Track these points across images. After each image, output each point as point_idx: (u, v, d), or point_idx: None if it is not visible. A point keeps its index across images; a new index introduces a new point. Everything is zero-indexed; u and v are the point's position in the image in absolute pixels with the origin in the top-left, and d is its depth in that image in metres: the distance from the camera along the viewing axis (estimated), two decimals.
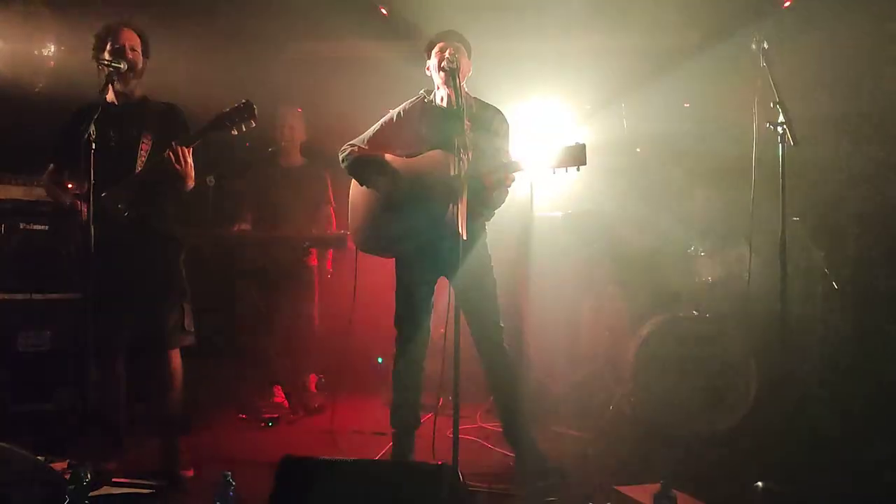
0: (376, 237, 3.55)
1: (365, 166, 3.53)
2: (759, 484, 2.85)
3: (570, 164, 3.12)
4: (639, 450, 4.07)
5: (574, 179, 3.29)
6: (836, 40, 5.17)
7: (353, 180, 3.64)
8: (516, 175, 3.32)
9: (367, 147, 3.59)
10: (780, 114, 2.99)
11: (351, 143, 3.63)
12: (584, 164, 3.11)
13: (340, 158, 3.63)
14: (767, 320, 4.92)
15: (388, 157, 3.55)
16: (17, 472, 2.71)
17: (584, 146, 3.09)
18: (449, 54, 3.32)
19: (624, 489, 3.27)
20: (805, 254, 4.87)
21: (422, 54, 3.59)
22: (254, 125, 3.34)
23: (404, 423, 3.59)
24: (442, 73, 3.38)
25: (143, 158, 3.34)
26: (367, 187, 3.53)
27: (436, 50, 3.47)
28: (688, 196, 5.64)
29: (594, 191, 5.89)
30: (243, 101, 3.30)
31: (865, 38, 5.03)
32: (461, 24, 3.62)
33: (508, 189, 3.38)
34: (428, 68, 3.53)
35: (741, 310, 4.94)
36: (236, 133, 3.29)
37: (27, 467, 2.80)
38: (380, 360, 5.60)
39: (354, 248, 3.78)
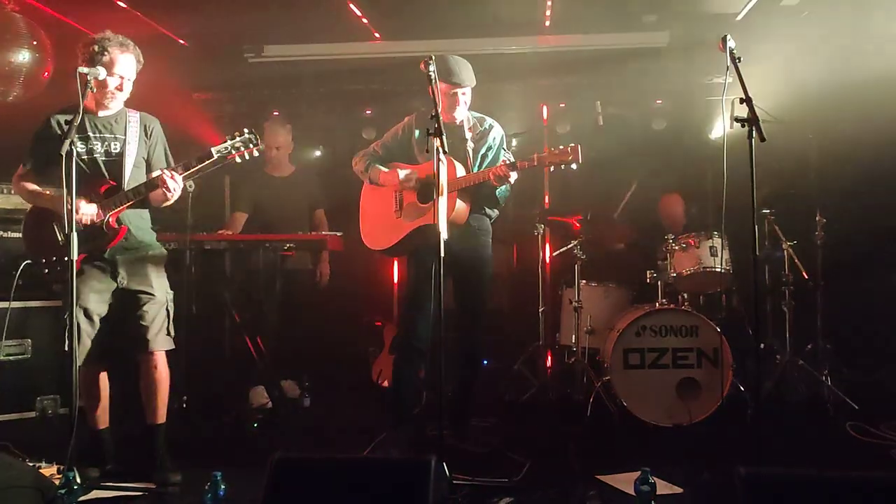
0: (388, 237, 3.86)
1: (379, 173, 3.91)
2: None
3: (565, 161, 3.49)
4: (619, 439, 4.16)
5: (550, 176, 3.53)
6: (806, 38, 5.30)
7: (364, 186, 4.01)
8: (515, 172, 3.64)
9: (380, 154, 3.98)
10: (749, 111, 3.07)
11: (365, 151, 4.03)
12: (579, 162, 3.48)
13: (354, 162, 4.02)
14: (740, 311, 5.08)
15: (398, 165, 3.90)
16: (8, 476, 2.72)
17: (577, 147, 3.46)
18: (458, 93, 3.70)
19: (605, 478, 3.36)
20: (775, 245, 5.00)
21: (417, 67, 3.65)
22: (257, 154, 3.44)
23: (402, 415, 3.78)
24: (445, 99, 3.68)
25: (130, 171, 3.36)
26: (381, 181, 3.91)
27: (446, 85, 3.68)
28: (662, 191, 5.77)
29: (572, 187, 5.99)
30: (247, 130, 3.38)
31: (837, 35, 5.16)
32: (446, 32, 3.76)
33: (510, 183, 3.69)
34: (432, 92, 3.56)
35: (715, 301, 5.08)
36: (240, 161, 3.36)
37: (18, 472, 2.81)
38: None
39: (343, 250, 4.24)
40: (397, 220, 3.83)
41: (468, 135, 3.81)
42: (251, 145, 3.38)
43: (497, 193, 3.80)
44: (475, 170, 3.79)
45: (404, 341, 3.85)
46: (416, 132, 3.88)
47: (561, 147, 3.50)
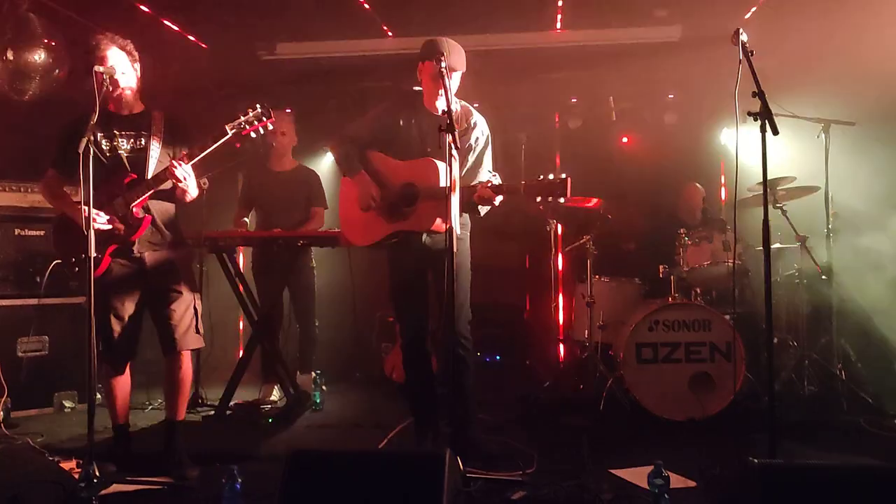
0: (367, 234, 3.64)
1: (355, 174, 3.63)
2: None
3: (553, 195, 3.22)
4: (632, 434, 4.17)
5: (562, 170, 3.38)
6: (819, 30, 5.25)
7: (342, 178, 3.74)
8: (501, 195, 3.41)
9: (359, 141, 3.66)
10: (761, 104, 3.06)
11: (343, 134, 3.71)
12: (567, 196, 3.21)
13: (331, 147, 3.74)
14: (754, 305, 5.06)
15: (378, 156, 3.65)
16: (28, 471, 2.76)
17: (567, 180, 3.20)
18: (441, 65, 3.31)
19: (618, 472, 3.36)
20: (789, 241, 4.97)
21: (414, 58, 3.62)
22: (271, 128, 3.43)
23: (424, 412, 3.68)
24: (433, 83, 3.47)
25: (154, 166, 3.39)
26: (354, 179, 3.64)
27: (428, 59, 3.47)
28: (674, 185, 5.76)
29: (585, 181, 5.98)
30: (259, 105, 3.36)
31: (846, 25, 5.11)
32: (458, 28, 3.66)
33: (495, 205, 3.45)
34: (420, 73, 3.58)
35: (728, 295, 5.05)
36: (255, 136, 3.38)
37: (38, 466, 2.85)
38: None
39: (348, 246, 3.94)
40: (377, 218, 3.58)
41: (455, 127, 3.21)
42: (264, 118, 3.37)
43: (478, 207, 3.52)
44: (460, 171, 3.42)
45: (405, 343, 3.70)
46: (400, 121, 3.60)
47: (551, 177, 3.23)
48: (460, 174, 3.46)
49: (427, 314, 3.67)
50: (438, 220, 3.42)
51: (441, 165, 3.35)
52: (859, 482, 2.34)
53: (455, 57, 3.44)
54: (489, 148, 3.69)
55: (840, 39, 5.20)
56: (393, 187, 3.55)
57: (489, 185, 3.40)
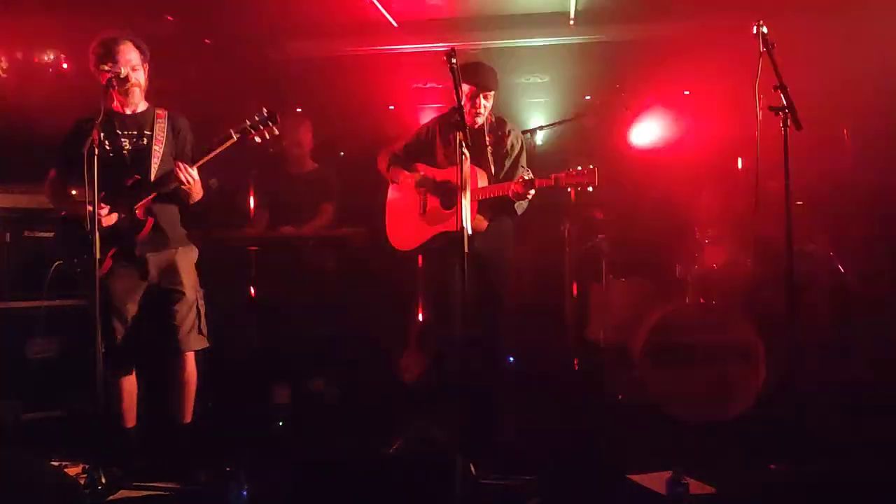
0: (412, 239, 3.96)
1: (399, 174, 4.00)
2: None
3: (582, 184, 3.57)
4: (650, 438, 4.08)
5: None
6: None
7: (390, 185, 4.11)
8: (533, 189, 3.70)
9: (402, 154, 4.04)
10: (783, 98, 2.98)
11: (389, 150, 4.08)
12: (595, 185, 3.53)
13: (378, 161, 4.09)
14: (773, 305, 4.96)
15: (422, 167, 3.99)
16: (32, 477, 2.73)
17: (594, 170, 3.51)
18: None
19: (636, 477, 3.29)
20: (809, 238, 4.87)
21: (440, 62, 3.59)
22: (277, 133, 3.43)
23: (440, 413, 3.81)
24: (470, 103, 3.73)
25: (157, 166, 3.35)
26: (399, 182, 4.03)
27: (465, 82, 3.60)
28: (692, 183, 5.65)
29: (599, 180, 5.90)
30: (265, 110, 3.36)
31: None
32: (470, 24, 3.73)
33: (528, 199, 3.77)
34: (459, 90, 3.54)
35: (747, 296, 4.96)
36: (259, 140, 3.35)
37: (43, 473, 2.83)
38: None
39: (362, 247, 4.42)
40: (421, 223, 3.93)
41: (487, 139, 3.86)
42: (270, 123, 3.37)
43: (514, 206, 3.82)
44: (497, 176, 3.85)
45: (436, 336, 3.95)
46: (439, 135, 3.92)
47: (580, 168, 3.56)
48: (498, 178, 3.89)
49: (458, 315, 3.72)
50: (478, 218, 3.76)
51: (479, 171, 3.75)
52: (881, 489, 2.26)
53: (486, 78, 3.76)
54: (524, 152, 4.00)
55: (859, 31, 5.10)
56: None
57: (521, 179, 3.67)
